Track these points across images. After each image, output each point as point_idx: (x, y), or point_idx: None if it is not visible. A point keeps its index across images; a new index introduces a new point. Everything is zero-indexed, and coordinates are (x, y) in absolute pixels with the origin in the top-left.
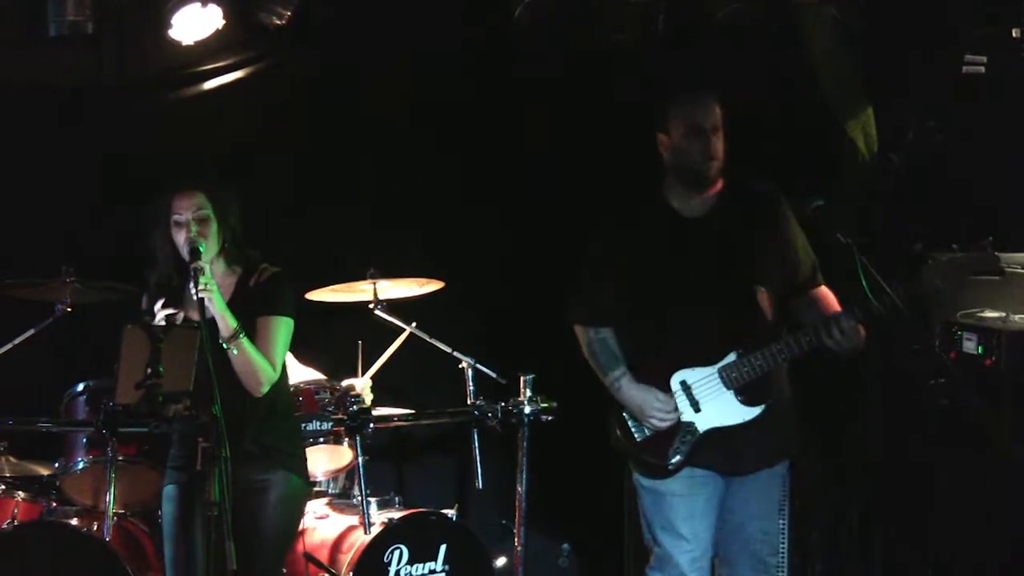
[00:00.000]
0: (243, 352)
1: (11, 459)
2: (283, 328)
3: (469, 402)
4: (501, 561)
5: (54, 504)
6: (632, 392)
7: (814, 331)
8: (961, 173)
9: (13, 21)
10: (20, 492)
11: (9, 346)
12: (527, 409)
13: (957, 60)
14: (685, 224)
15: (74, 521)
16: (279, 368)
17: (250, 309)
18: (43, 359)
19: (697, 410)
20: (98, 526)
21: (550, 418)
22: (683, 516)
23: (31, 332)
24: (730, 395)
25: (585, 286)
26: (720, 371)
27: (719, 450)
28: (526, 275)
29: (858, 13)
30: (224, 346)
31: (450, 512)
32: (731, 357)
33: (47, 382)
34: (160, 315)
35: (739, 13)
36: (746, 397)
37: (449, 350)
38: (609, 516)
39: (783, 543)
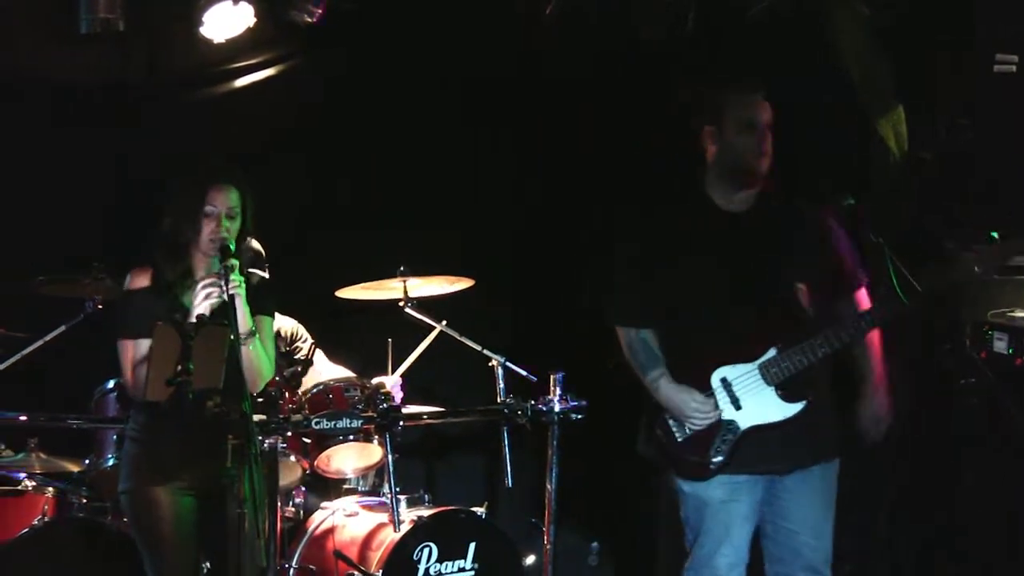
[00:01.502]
0: (254, 350)
1: (41, 455)
2: (271, 328)
3: (499, 400)
4: (531, 559)
5: (84, 500)
6: (671, 392)
7: (854, 325)
8: (992, 171)
9: (45, 19)
10: (50, 488)
11: (40, 343)
12: (557, 407)
13: (988, 58)
14: (727, 219)
15: (104, 518)
16: (274, 366)
17: (251, 309)
18: (73, 356)
19: (738, 407)
20: (128, 522)
21: (580, 416)
22: (724, 522)
23: (62, 329)
24: (771, 391)
25: (623, 285)
26: (760, 367)
27: (760, 450)
28: (557, 273)
29: (889, 11)
30: (240, 342)
31: (480, 510)
32: (771, 353)
33: (77, 379)
34: (200, 307)
35: (770, 10)
36: (787, 393)
37: (479, 348)
38: (639, 515)
39: None
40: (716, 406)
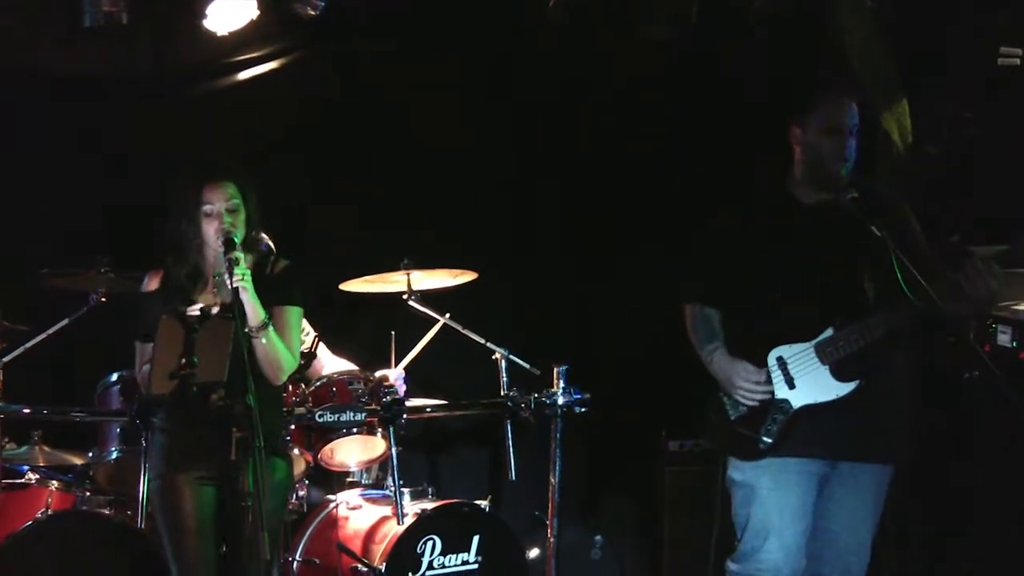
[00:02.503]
0: (269, 342)
1: (45, 448)
2: (297, 317)
3: (502, 393)
4: (534, 552)
5: (88, 493)
6: (723, 363)
7: (912, 308)
8: (995, 165)
9: (49, 13)
10: (54, 482)
11: (43, 336)
12: (560, 400)
13: (992, 52)
14: (803, 212)
15: (107, 510)
16: (297, 357)
17: (267, 298)
18: (77, 349)
19: (792, 387)
20: (131, 515)
21: (583, 409)
22: (771, 511)
23: (65, 322)
24: (824, 370)
25: (695, 265)
26: (816, 346)
27: (812, 433)
28: (560, 266)
29: (893, 4)
30: (251, 336)
31: (483, 503)
32: (827, 332)
33: (81, 372)
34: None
35: (774, 4)
36: (840, 372)
37: (482, 341)
38: (643, 508)
39: None
40: (769, 382)
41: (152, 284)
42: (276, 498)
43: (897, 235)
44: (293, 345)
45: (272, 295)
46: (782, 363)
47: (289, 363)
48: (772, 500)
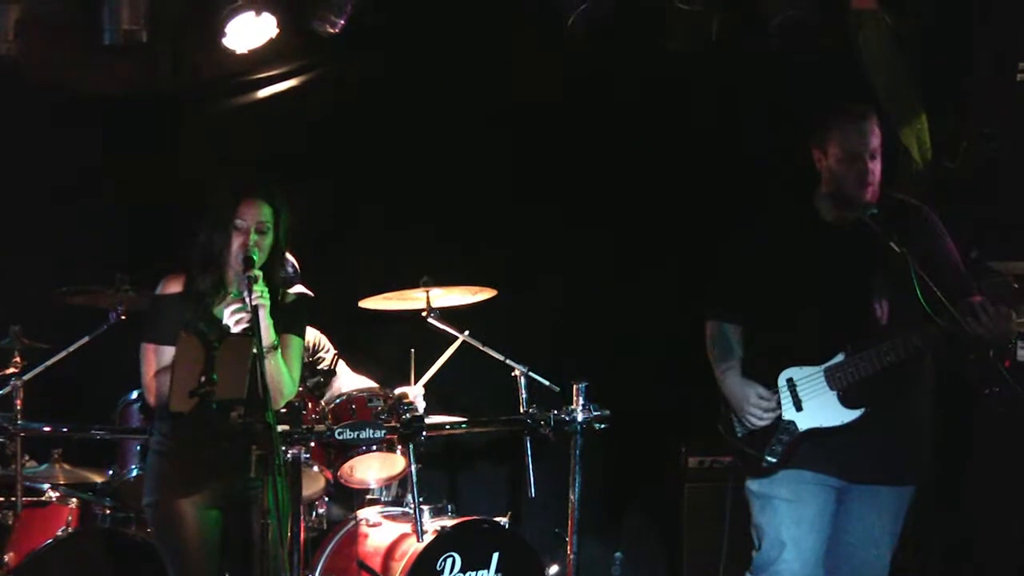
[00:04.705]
0: (276, 365)
1: (66, 466)
2: (299, 348)
3: (522, 410)
4: (554, 570)
5: (108, 511)
6: (735, 384)
7: (922, 333)
8: (1015, 180)
9: (69, 30)
10: (74, 499)
11: (64, 353)
12: (580, 417)
13: (1012, 68)
14: (826, 231)
15: (128, 528)
16: (297, 385)
17: (276, 324)
18: (97, 366)
19: (799, 409)
20: (152, 533)
21: (603, 426)
22: (787, 522)
23: (85, 339)
24: (832, 396)
25: (718, 282)
26: (826, 371)
27: (824, 452)
28: (579, 283)
29: (913, 20)
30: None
31: (503, 520)
32: (839, 358)
33: (101, 389)
34: (231, 318)
35: (794, 19)
36: (848, 399)
37: (502, 358)
38: (662, 525)
39: None
40: (778, 404)
41: (169, 288)
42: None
43: (921, 252)
44: (295, 372)
45: (280, 322)
46: (791, 384)
47: (289, 389)
48: (789, 511)
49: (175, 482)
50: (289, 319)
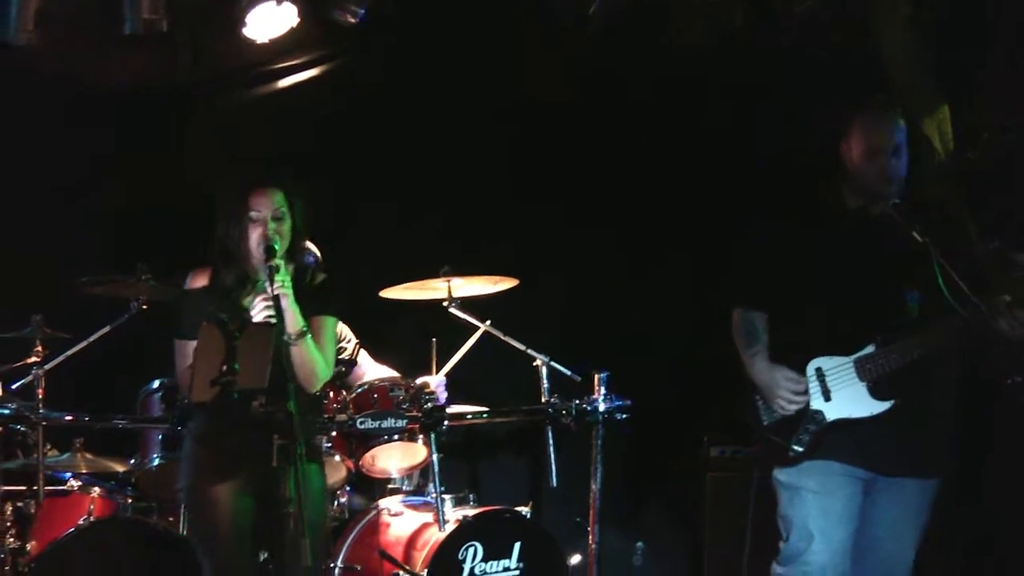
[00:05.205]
0: (306, 350)
1: (87, 455)
2: (332, 327)
3: (543, 400)
4: (575, 559)
5: (130, 500)
6: (763, 369)
7: (953, 327)
8: None
9: (89, 20)
10: (96, 488)
11: (85, 343)
12: (602, 407)
13: None
14: (853, 222)
15: (149, 517)
16: (332, 366)
17: (306, 308)
18: (119, 356)
19: (827, 399)
20: (173, 522)
21: (625, 416)
22: (815, 513)
23: (107, 329)
24: (862, 387)
25: (745, 270)
26: (856, 361)
27: (852, 443)
28: (601, 272)
29: (933, 9)
30: (288, 343)
31: (524, 510)
32: (869, 349)
33: (123, 379)
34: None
35: (815, 10)
36: (877, 390)
37: (523, 348)
38: (684, 514)
39: None
40: (806, 392)
41: (196, 282)
42: (317, 506)
43: (945, 243)
44: (328, 354)
45: (310, 305)
46: (820, 374)
47: (323, 372)
48: (817, 503)
49: (209, 467)
50: (319, 300)
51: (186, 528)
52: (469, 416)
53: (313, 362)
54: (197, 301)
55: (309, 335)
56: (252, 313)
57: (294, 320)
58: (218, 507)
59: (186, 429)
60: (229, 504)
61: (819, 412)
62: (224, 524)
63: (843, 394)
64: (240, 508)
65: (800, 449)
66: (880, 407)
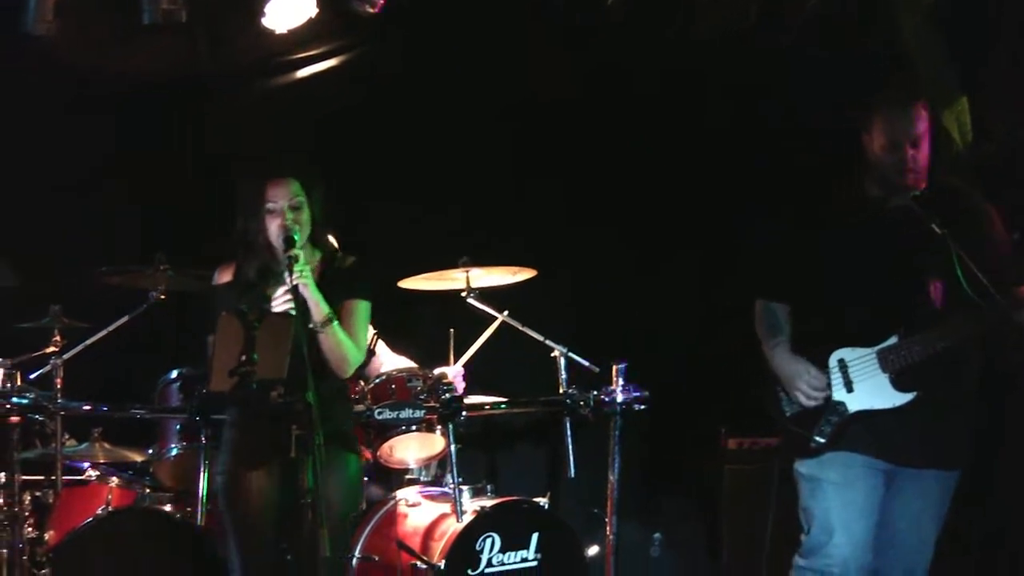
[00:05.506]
0: (334, 336)
1: (105, 445)
2: (365, 311)
3: (561, 391)
4: (593, 550)
5: (147, 490)
6: (785, 360)
7: (975, 319)
8: None
9: (107, 10)
10: (114, 478)
11: (103, 333)
12: (619, 398)
13: None
14: (875, 211)
15: (167, 507)
16: (364, 350)
17: (335, 293)
18: (137, 346)
19: (850, 390)
20: (191, 512)
21: (642, 407)
22: (837, 506)
23: (125, 319)
24: (884, 378)
25: (765, 261)
26: (878, 353)
27: (873, 435)
28: (619, 263)
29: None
30: (315, 331)
31: (542, 500)
32: (892, 340)
33: (141, 369)
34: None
35: (831, 1)
36: (899, 382)
37: (541, 338)
38: (702, 506)
39: None
40: (828, 384)
41: (222, 278)
42: (349, 495)
43: (966, 235)
44: (359, 338)
45: (341, 289)
46: (843, 365)
47: (355, 356)
48: (838, 495)
49: (243, 455)
50: (348, 284)
51: (205, 516)
52: (487, 407)
53: (342, 347)
54: (223, 297)
55: (336, 321)
56: (274, 304)
57: (318, 308)
58: (250, 492)
59: (226, 415)
60: (260, 492)
61: (841, 403)
62: (254, 510)
63: (865, 385)
64: (270, 496)
65: (822, 440)
66: (902, 399)
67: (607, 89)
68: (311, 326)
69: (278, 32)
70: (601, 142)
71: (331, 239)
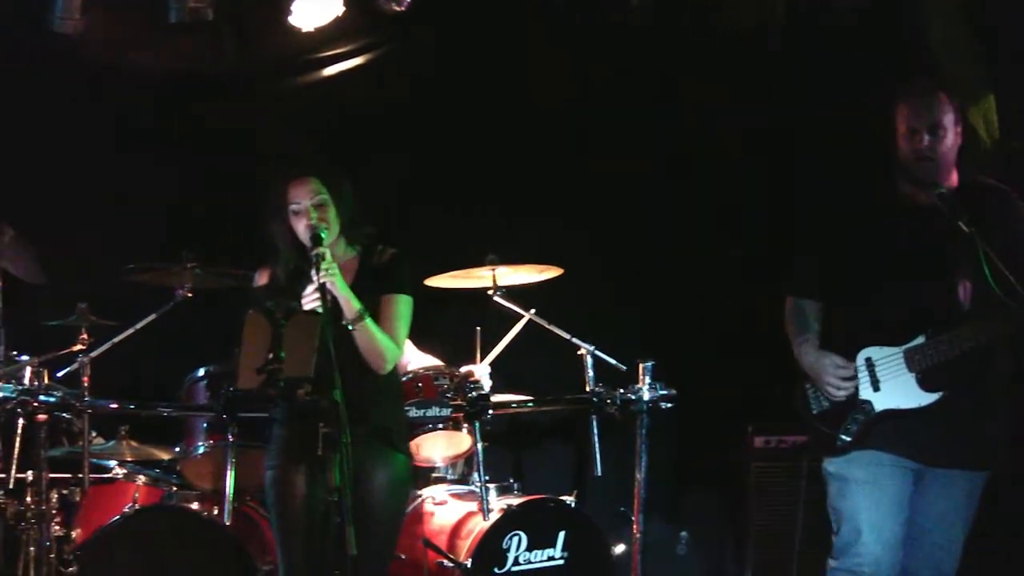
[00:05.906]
0: (368, 332)
1: (132, 443)
2: (405, 306)
3: (588, 389)
4: (620, 548)
5: (174, 488)
6: (812, 355)
7: (1003, 318)
8: None
9: (135, 9)
10: (141, 476)
11: (131, 331)
12: (646, 396)
13: None
14: (905, 208)
15: (194, 505)
16: (402, 345)
17: (374, 288)
18: (164, 344)
19: (876, 389)
20: (218, 510)
21: (669, 405)
22: (865, 505)
23: (152, 317)
24: (911, 378)
25: (798, 258)
26: (905, 352)
27: (900, 435)
28: (646, 262)
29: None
30: (349, 327)
31: (569, 499)
32: (919, 340)
33: (168, 367)
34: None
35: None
36: (926, 381)
37: (568, 337)
38: (728, 504)
39: None
40: (854, 378)
41: (260, 280)
42: (394, 495)
43: (996, 233)
44: (397, 333)
45: (379, 284)
46: (870, 364)
47: (392, 352)
48: (866, 494)
49: (289, 451)
50: (387, 279)
51: (232, 515)
52: (513, 405)
53: (377, 343)
54: (260, 299)
55: (368, 318)
56: (303, 303)
57: (349, 304)
58: (294, 488)
59: (274, 413)
60: (304, 488)
61: (867, 402)
62: (297, 506)
63: (892, 384)
64: (312, 493)
65: (848, 439)
66: (928, 399)
67: (632, 88)
68: (343, 323)
69: (304, 30)
70: (628, 141)
71: (370, 234)
